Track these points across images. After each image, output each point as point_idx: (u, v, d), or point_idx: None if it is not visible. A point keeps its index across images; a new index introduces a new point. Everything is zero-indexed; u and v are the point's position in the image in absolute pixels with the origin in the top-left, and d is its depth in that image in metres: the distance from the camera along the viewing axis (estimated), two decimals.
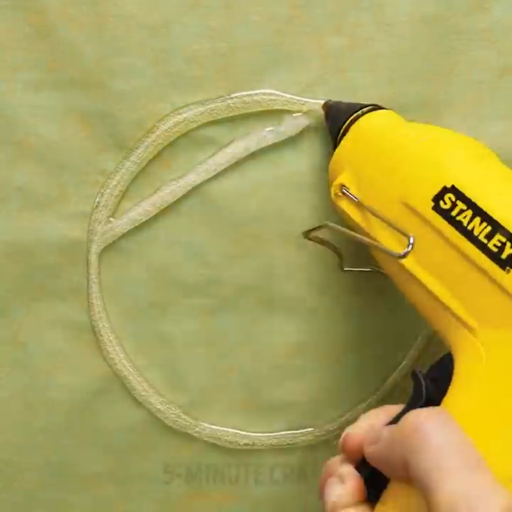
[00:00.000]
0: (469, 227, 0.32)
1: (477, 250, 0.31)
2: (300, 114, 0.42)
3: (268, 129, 0.43)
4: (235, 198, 0.44)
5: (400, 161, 0.35)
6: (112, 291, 0.44)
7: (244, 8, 0.42)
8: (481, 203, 0.32)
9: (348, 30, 0.43)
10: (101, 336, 0.44)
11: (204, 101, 0.43)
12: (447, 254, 0.32)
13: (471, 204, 0.32)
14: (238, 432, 0.44)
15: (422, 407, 0.29)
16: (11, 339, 0.43)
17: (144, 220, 0.43)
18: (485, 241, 0.31)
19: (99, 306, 0.43)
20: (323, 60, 0.43)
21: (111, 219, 0.43)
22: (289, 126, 0.42)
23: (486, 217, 0.32)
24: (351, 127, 0.39)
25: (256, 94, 0.43)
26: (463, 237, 0.32)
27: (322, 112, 0.42)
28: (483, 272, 0.31)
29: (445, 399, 0.30)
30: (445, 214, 0.33)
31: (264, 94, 0.43)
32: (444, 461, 0.26)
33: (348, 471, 0.32)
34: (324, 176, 0.42)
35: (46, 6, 0.42)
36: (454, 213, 0.32)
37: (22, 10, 0.42)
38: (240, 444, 0.44)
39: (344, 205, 0.37)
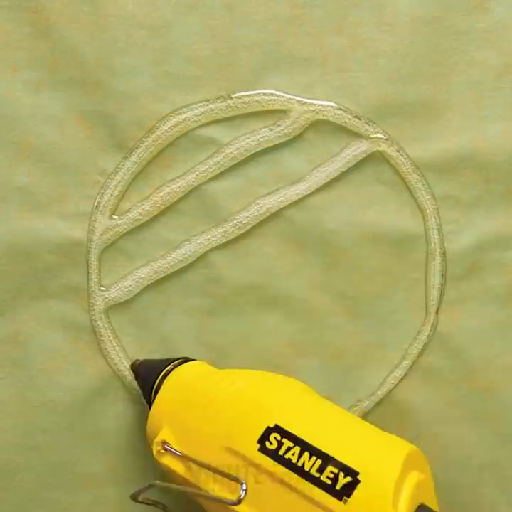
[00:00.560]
0: (299, 463, 0.32)
1: (310, 485, 0.32)
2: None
3: (268, 128, 0.43)
4: (235, 198, 0.44)
5: (218, 408, 0.36)
6: (112, 292, 0.44)
7: (245, 8, 0.42)
8: (307, 438, 0.33)
9: (349, 30, 0.43)
10: (101, 336, 0.44)
11: (204, 101, 0.43)
12: (281, 494, 0.32)
13: (297, 440, 0.33)
14: None
15: None
16: (11, 339, 0.43)
17: (144, 220, 0.44)
18: (317, 475, 0.32)
19: (99, 306, 0.44)
20: (323, 60, 0.43)
21: (111, 219, 0.43)
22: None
23: (314, 451, 0.32)
24: (163, 383, 0.39)
25: (256, 94, 0.43)
26: (294, 475, 0.32)
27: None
28: (321, 506, 0.31)
29: None
30: (273, 454, 0.33)
31: (264, 94, 0.43)
32: None
33: None
34: (324, 176, 0.42)
35: (46, 6, 0.42)
36: (281, 452, 0.33)
37: (22, 10, 0.42)
38: None
39: (168, 461, 0.37)
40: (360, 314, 0.44)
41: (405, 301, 0.44)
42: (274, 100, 0.43)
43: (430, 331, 0.44)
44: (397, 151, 0.43)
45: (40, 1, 0.42)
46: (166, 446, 0.37)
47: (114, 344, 0.44)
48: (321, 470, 0.32)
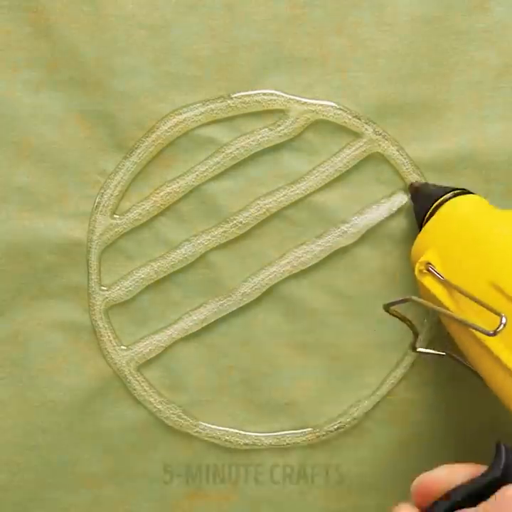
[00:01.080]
0: None
1: None
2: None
3: (268, 128, 0.43)
4: (235, 198, 0.44)
5: (491, 245, 0.36)
6: (112, 292, 0.44)
7: (245, 8, 0.42)
8: None
9: (349, 30, 0.43)
10: (101, 336, 0.44)
11: (204, 101, 0.43)
12: None
13: None
14: (238, 431, 0.44)
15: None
16: (11, 339, 0.43)
17: (143, 220, 0.44)
18: None
19: (99, 306, 0.44)
20: (323, 60, 0.43)
21: (111, 219, 0.43)
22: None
23: None
24: (438, 210, 0.40)
25: (256, 94, 0.43)
26: None
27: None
28: None
29: None
30: None
31: (264, 94, 0.43)
32: None
33: None
34: (324, 176, 0.42)
35: (46, 6, 0.42)
36: None
37: (22, 10, 0.42)
38: (240, 444, 0.44)
39: (428, 282, 0.37)
40: (360, 314, 0.44)
41: None
42: (274, 100, 0.43)
43: (430, 330, 0.44)
44: (397, 151, 0.43)
45: (40, 1, 0.42)
46: (429, 267, 0.37)
47: (114, 344, 0.44)
48: None
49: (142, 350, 0.44)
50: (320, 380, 0.44)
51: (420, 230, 0.40)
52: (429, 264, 0.38)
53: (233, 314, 0.44)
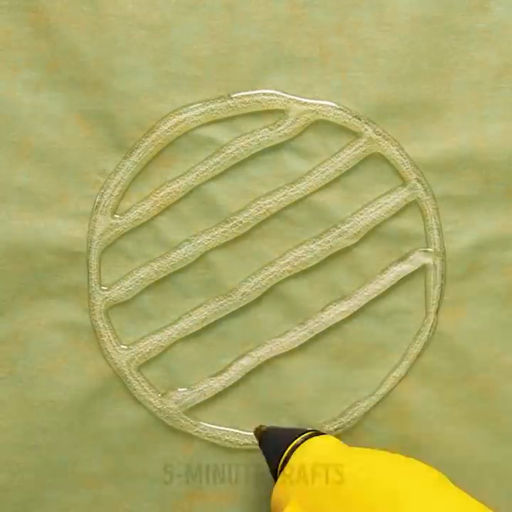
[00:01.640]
0: None
1: None
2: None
3: (268, 128, 0.43)
4: (235, 198, 0.44)
5: (351, 490, 0.34)
6: (112, 292, 0.44)
7: (245, 8, 0.42)
8: None
9: (349, 30, 0.43)
10: (101, 336, 0.44)
11: (204, 101, 0.43)
12: None
13: None
14: (238, 431, 0.44)
15: None
16: (11, 339, 0.43)
17: (144, 220, 0.44)
18: None
19: (99, 306, 0.44)
20: (323, 60, 0.43)
21: (111, 219, 0.43)
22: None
23: None
24: (292, 455, 0.38)
25: (256, 94, 0.43)
26: None
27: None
28: None
29: None
30: None
31: (264, 94, 0.43)
32: None
33: None
34: (324, 176, 0.42)
35: (46, 6, 0.42)
36: None
37: (22, 10, 0.42)
38: (239, 444, 0.44)
39: None
40: (360, 314, 0.44)
41: (405, 301, 0.44)
42: (274, 100, 0.43)
43: (430, 331, 0.44)
44: (397, 151, 0.43)
45: (40, 1, 0.42)
46: None
47: (114, 344, 0.44)
48: None
49: (142, 350, 0.44)
50: (320, 380, 0.44)
51: (275, 479, 0.39)
52: None
53: (233, 314, 0.44)
